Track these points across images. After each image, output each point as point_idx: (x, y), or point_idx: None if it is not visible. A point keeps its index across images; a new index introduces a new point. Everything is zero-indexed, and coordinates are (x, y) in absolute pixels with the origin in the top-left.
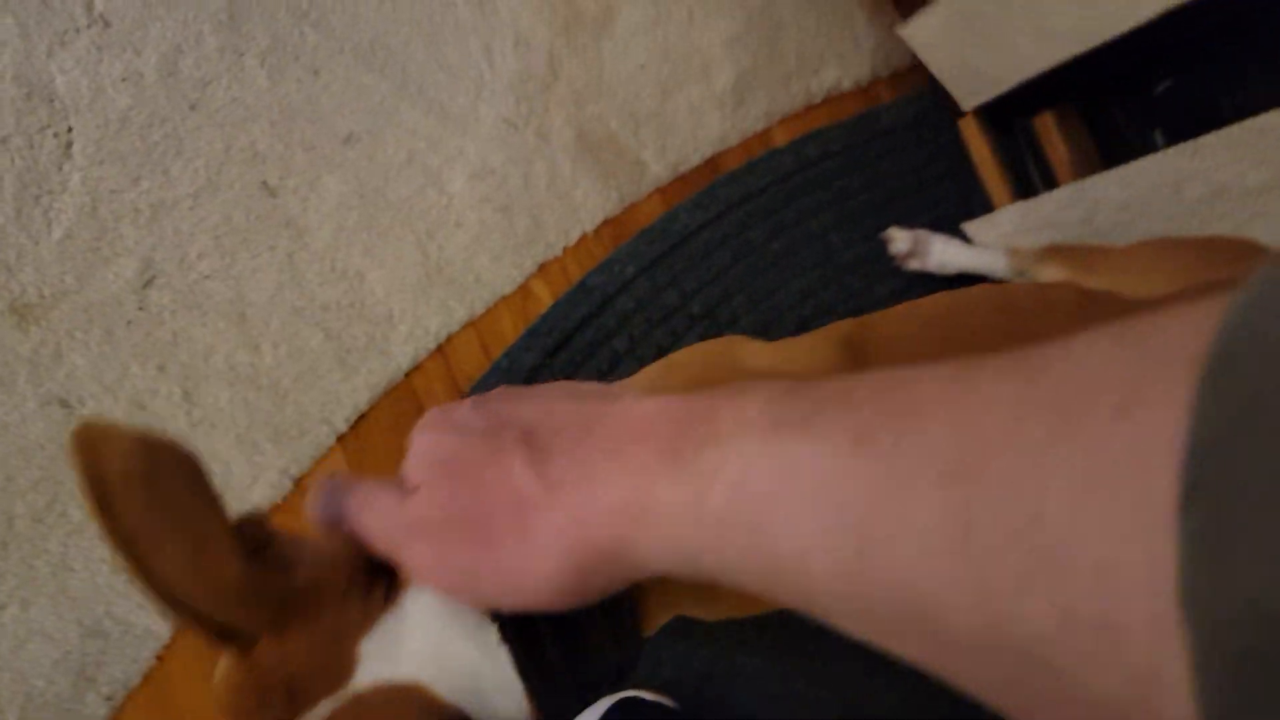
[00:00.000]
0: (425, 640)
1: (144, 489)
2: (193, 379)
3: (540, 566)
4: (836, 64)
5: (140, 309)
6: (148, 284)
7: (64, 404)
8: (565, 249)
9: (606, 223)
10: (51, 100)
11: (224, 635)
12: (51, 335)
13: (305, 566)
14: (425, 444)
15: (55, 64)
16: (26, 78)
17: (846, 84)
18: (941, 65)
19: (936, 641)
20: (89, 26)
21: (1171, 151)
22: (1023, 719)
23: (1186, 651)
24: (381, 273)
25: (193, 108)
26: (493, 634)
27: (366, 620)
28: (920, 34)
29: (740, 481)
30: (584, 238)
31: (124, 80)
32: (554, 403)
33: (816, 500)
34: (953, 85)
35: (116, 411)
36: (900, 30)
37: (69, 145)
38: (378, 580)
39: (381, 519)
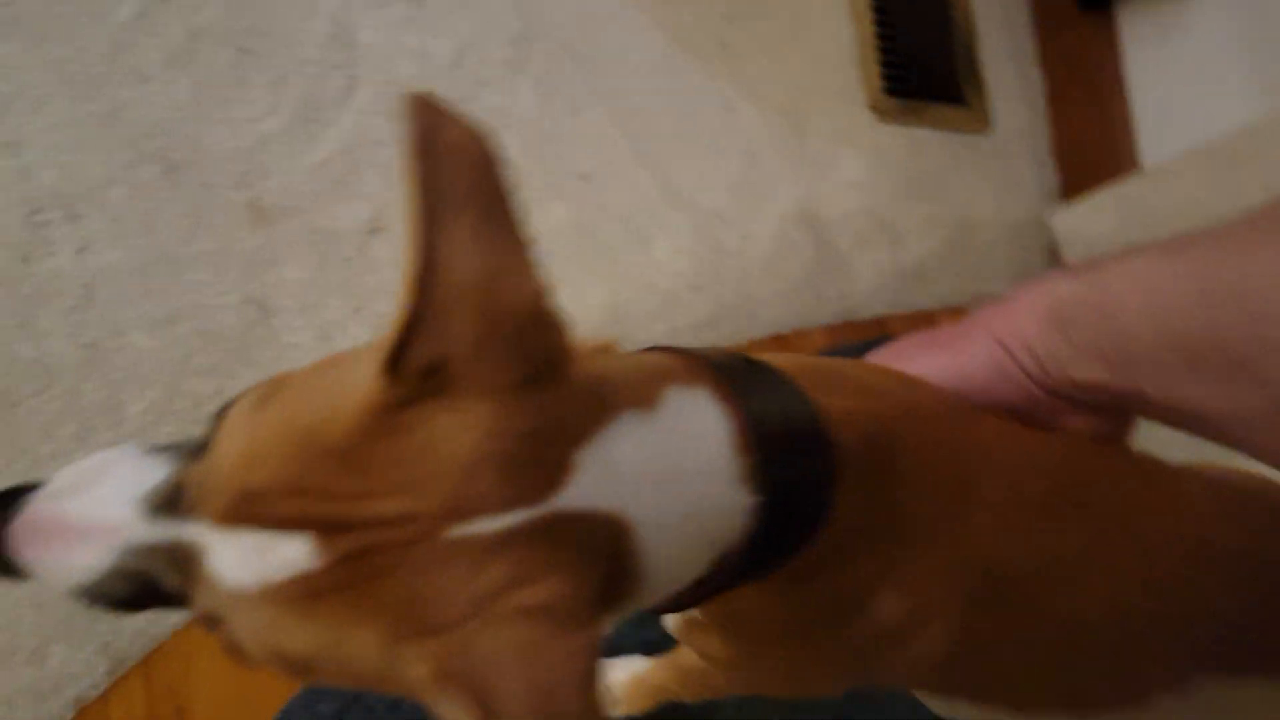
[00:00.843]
0: (644, 466)
1: (471, 165)
2: (379, 332)
3: (965, 351)
4: (1009, 281)
5: (358, 251)
6: (373, 232)
7: (261, 307)
8: (735, 346)
9: (775, 337)
10: (352, 47)
11: (425, 365)
12: (274, 243)
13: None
14: None
15: (367, 19)
16: (340, 20)
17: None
18: None
19: (1191, 366)
20: (407, 5)
21: None
22: None
23: None
24: (567, 309)
25: (463, 100)
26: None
27: (591, 423)
28: None
29: (1125, 269)
30: (751, 343)
31: (416, 54)
32: None
33: (1137, 287)
34: None
35: (305, 334)
36: None
37: (351, 89)
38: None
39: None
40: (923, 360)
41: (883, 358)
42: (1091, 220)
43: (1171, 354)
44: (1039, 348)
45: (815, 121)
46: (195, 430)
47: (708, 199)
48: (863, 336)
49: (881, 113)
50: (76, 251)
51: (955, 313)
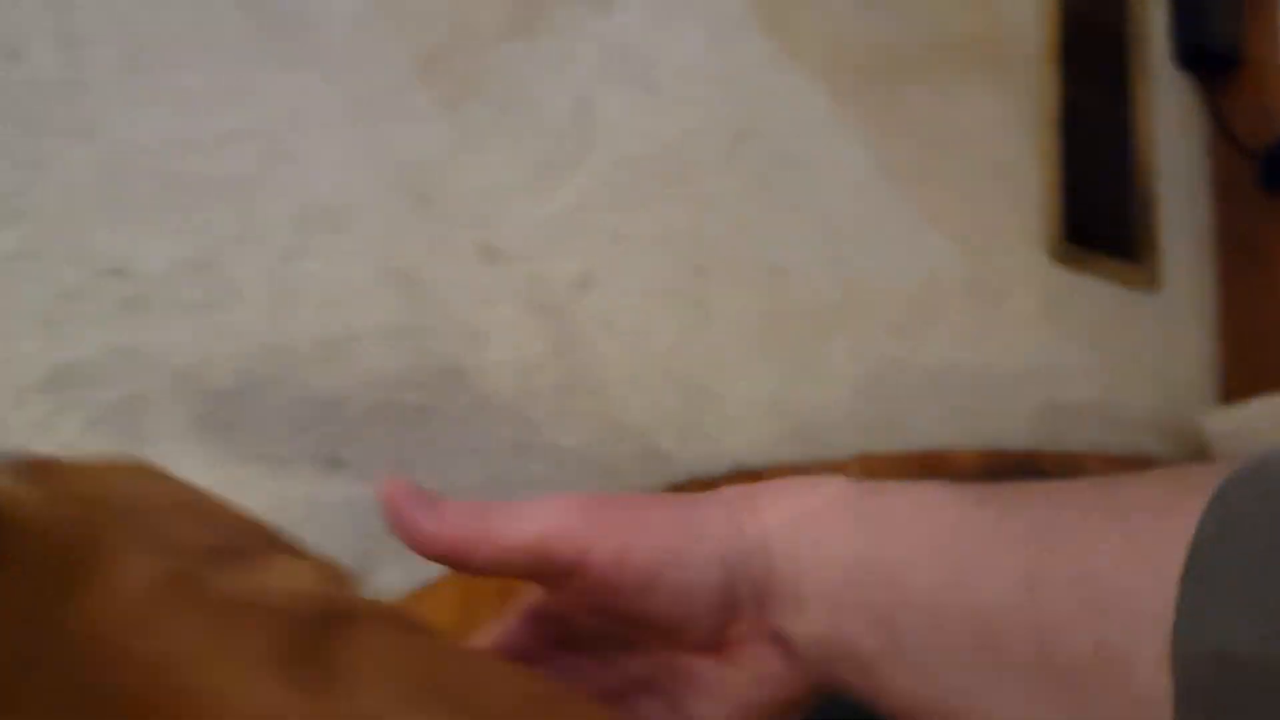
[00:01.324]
0: None
1: None
2: (572, 378)
3: (699, 509)
4: (1159, 439)
5: (565, 301)
6: (580, 286)
7: (474, 338)
8: (853, 458)
9: (928, 453)
10: (591, 117)
11: None
12: (496, 281)
13: None
14: None
15: (609, 99)
16: (585, 95)
17: (1159, 453)
18: None
19: (996, 664)
20: (644, 90)
21: None
22: None
23: (1172, 683)
24: (740, 390)
25: (677, 181)
26: None
27: None
28: None
29: (922, 511)
30: (905, 455)
31: (645, 134)
32: None
33: (934, 531)
34: None
35: (506, 369)
36: None
37: (584, 156)
38: None
39: None
40: (657, 509)
41: (617, 505)
42: (1245, 426)
43: (964, 638)
44: (775, 545)
45: (994, 256)
46: (403, 435)
47: (885, 311)
48: (1013, 465)
49: (1057, 257)
50: (327, 260)
51: (1104, 460)
